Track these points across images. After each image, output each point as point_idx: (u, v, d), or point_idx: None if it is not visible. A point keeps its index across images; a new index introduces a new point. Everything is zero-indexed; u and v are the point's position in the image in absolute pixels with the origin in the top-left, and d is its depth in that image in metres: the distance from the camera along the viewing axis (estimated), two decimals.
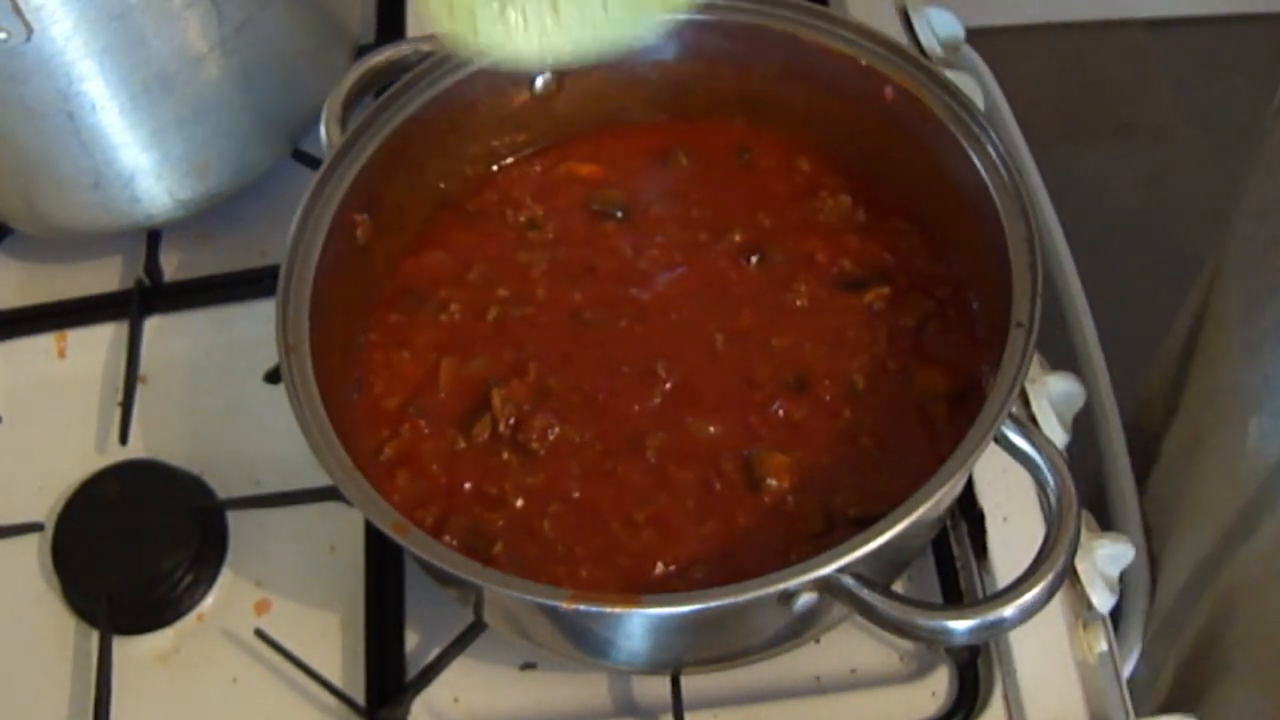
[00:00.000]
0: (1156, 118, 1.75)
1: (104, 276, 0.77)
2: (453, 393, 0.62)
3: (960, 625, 0.48)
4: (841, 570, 0.48)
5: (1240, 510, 0.68)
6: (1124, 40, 1.81)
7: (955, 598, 0.62)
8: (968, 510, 0.63)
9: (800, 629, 0.57)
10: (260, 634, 0.63)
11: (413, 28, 0.85)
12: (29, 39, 0.62)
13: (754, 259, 0.65)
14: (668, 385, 0.61)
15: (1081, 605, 0.62)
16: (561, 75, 0.67)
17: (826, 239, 0.65)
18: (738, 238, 0.66)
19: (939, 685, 0.60)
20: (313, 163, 0.76)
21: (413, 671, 0.62)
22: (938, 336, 0.62)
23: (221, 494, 0.67)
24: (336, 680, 0.62)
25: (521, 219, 0.68)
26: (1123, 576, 0.65)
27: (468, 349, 0.63)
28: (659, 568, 0.56)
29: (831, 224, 0.66)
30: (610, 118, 0.70)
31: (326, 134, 0.62)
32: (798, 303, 0.63)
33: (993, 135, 0.59)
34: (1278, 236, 0.67)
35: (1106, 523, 0.71)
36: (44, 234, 0.76)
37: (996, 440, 0.51)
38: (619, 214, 0.68)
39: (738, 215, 0.67)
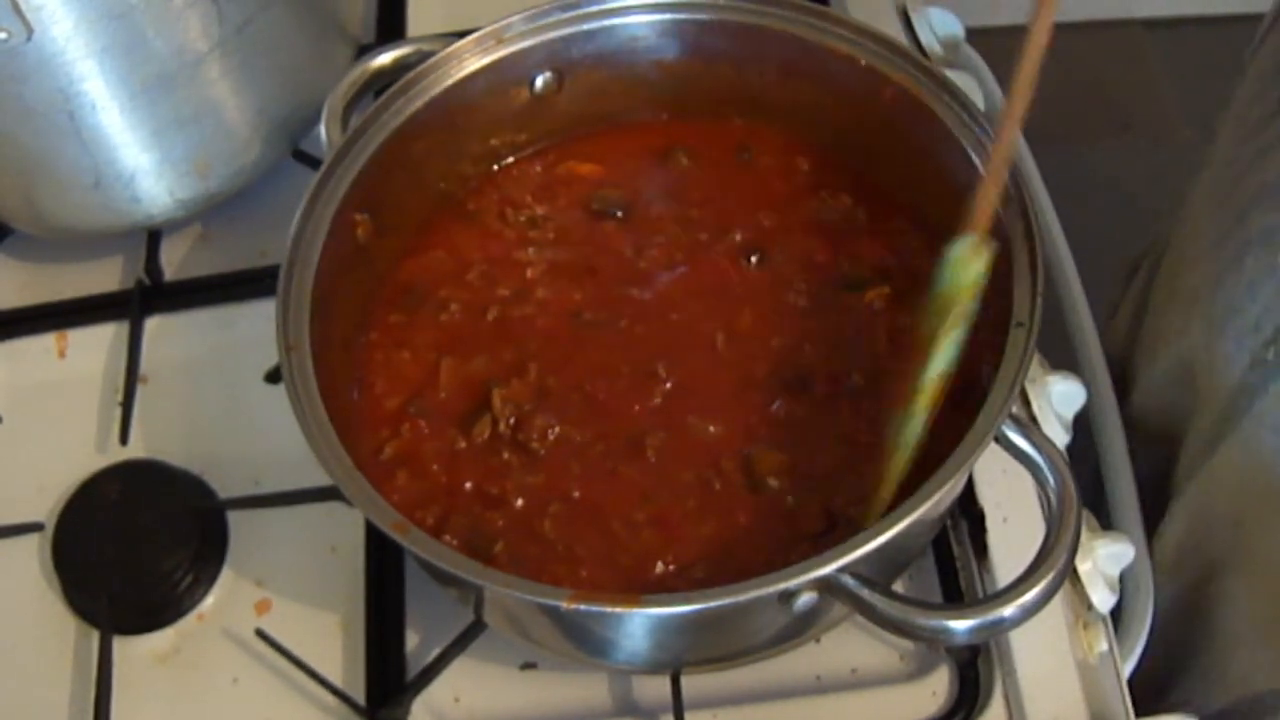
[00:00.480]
0: (1156, 118, 1.76)
1: (104, 276, 0.77)
2: (453, 392, 0.62)
3: (960, 625, 0.48)
4: (841, 570, 0.48)
5: (1207, 429, 0.69)
6: (1124, 40, 1.81)
7: (955, 597, 0.62)
8: (968, 510, 0.63)
9: (800, 629, 0.57)
10: (261, 634, 0.63)
11: (413, 27, 0.85)
12: (29, 39, 0.62)
13: (754, 259, 0.65)
14: (668, 385, 0.61)
15: (1082, 605, 0.62)
16: (561, 75, 0.67)
17: (826, 239, 0.65)
18: (738, 237, 0.66)
19: (939, 685, 0.60)
20: (313, 163, 0.76)
21: (413, 671, 0.62)
22: None
23: (222, 494, 0.67)
24: (337, 680, 0.62)
25: (521, 219, 0.68)
26: (1123, 576, 0.65)
27: (468, 349, 0.63)
28: (659, 567, 0.56)
29: (831, 224, 0.66)
30: (610, 118, 0.70)
31: (327, 134, 0.62)
32: (798, 303, 0.63)
33: (993, 135, 0.59)
34: (1244, 175, 0.67)
35: (1107, 522, 0.71)
36: (44, 234, 0.76)
37: (997, 440, 0.51)
38: (619, 214, 0.67)
39: (738, 215, 0.67)
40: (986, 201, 0.55)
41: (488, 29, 0.64)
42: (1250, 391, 0.65)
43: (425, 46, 0.64)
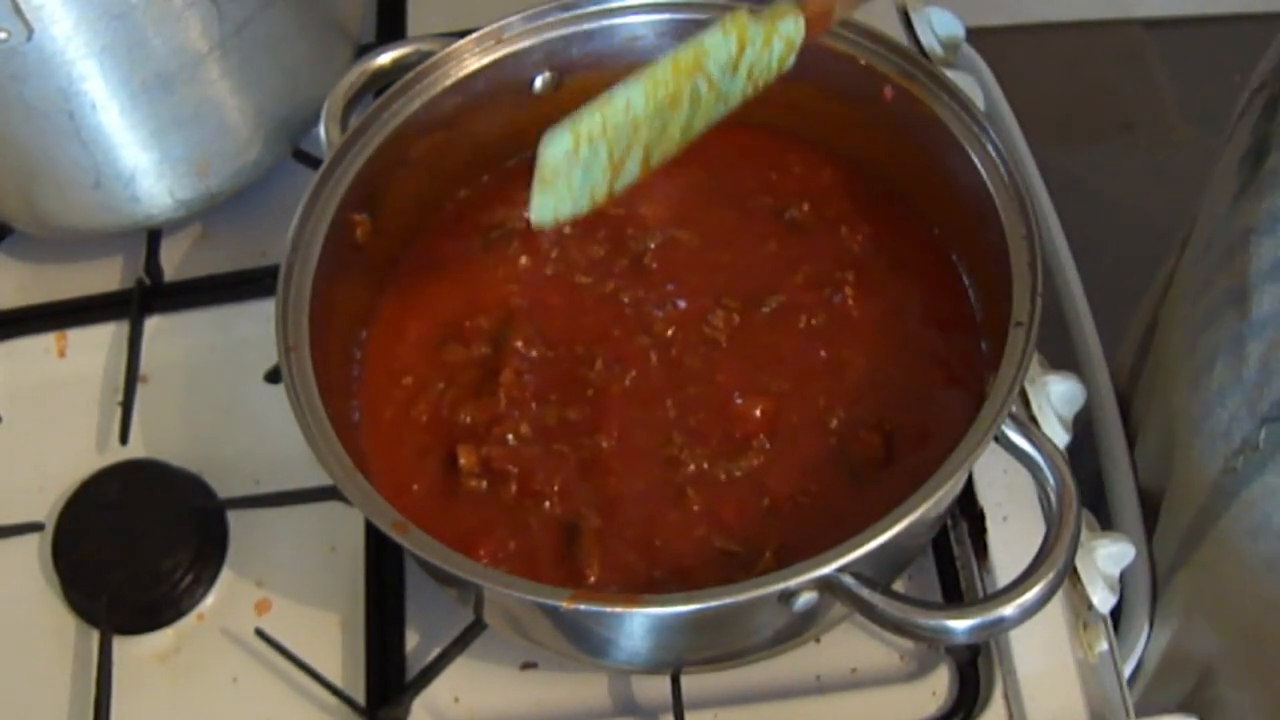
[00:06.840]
0: (1156, 118, 1.75)
1: (104, 276, 0.77)
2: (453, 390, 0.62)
3: (960, 624, 0.48)
4: (841, 569, 0.48)
5: (1189, 522, 0.69)
6: (1124, 40, 1.81)
7: (955, 597, 0.62)
8: (968, 509, 0.63)
9: (800, 628, 0.57)
10: (260, 634, 0.63)
11: (413, 27, 0.85)
12: (30, 39, 0.62)
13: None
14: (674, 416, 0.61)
15: (1082, 605, 0.62)
16: (561, 75, 0.67)
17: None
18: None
19: (939, 685, 0.60)
20: (313, 163, 0.76)
21: (413, 671, 0.62)
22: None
23: (221, 494, 0.67)
24: (337, 680, 0.62)
25: (523, 218, 0.68)
26: (1123, 576, 0.65)
27: (468, 347, 0.63)
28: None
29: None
30: None
31: (326, 134, 0.62)
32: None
33: (993, 135, 0.59)
34: (1213, 274, 0.67)
35: (1106, 522, 0.71)
36: (44, 234, 0.76)
37: (997, 439, 0.51)
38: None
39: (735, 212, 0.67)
40: None
41: (488, 29, 0.64)
42: (1225, 495, 0.65)
43: (425, 46, 0.64)
